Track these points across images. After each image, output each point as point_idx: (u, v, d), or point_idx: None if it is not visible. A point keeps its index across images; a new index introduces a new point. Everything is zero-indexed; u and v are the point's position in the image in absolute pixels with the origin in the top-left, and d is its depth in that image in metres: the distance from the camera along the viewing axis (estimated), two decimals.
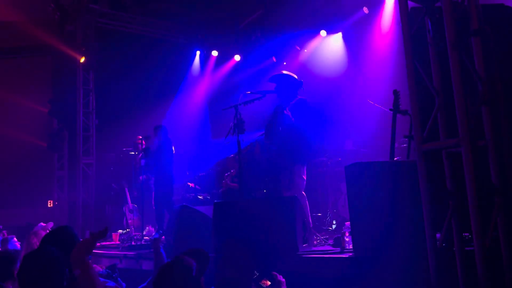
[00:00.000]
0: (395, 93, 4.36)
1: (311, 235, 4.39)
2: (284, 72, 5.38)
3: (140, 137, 7.62)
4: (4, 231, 6.89)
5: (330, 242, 4.40)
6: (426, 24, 2.96)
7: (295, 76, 5.33)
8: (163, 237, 6.06)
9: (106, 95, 9.74)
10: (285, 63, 9.52)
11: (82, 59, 9.34)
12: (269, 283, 2.92)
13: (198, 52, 10.59)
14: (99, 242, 7.01)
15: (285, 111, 5.17)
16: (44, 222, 5.60)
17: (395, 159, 4.60)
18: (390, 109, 4.40)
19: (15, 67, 10.51)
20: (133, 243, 6.43)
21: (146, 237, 6.79)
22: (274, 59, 9.48)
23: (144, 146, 7.54)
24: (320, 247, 4.26)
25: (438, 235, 2.80)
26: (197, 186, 8.90)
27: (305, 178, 5.04)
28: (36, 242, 4.04)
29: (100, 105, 9.80)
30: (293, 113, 5.09)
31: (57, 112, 9.70)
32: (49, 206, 10.33)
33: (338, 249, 3.86)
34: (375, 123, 6.90)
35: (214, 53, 10.46)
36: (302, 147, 5.03)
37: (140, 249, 5.78)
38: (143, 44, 9.80)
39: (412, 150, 4.05)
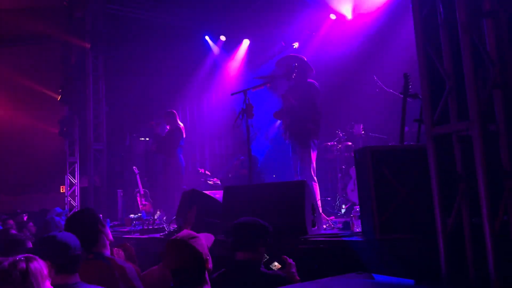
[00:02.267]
0: (405, 76, 4.33)
1: (320, 219, 4.42)
2: (291, 55, 5.35)
3: (154, 122, 7.70)
4: (24, 215, 7.07)
5: (339, 226, 4.42)
6: (437, 5, 2.91)
7: (304, 59, 5.29)
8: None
9: (116, 82, 9.77)
10: (295, 46, 9.43)
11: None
12: (279, 266, 2.95)
13: (207, 37, 10.50)
14: (111, 227, 7.15)
15: (290, 95, 5.17)
16: (56, 207, 5.73)
17: (405, 143, 4.58)
18: (400, 93, 4.37)
19: (26, 53, 10.58)
20: (144, 227, 6.52)
21: (157, 221, 6.89)
22: (283, 43, 9.40)
23: (157, 131, 7.64)
24: (329, 231, 4.29)
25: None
26: (207, 172, 8.96)
27: (313, 163, 5.03)
28: None
29: (110, 91, 9.85)
30: (298, 96, 5.08)
31: (67, 99, 9.77)
32: (61, 191, 10.50)
33: (347, 233, 3.89)
34: (385, 107, 6.85)
35: (222, 38, 10.38)
36: (305, 130, 5.03)
37: (151, 233, 5.87)
38: (152, 29, 9.77)
39: (422, 134, 4.03)
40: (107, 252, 2.73)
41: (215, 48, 10.43)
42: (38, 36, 10.26)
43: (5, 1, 9.77)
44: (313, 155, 5.07)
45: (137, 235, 5.85)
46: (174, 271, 2.21)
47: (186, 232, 2.35)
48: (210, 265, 2.29)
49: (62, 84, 9.95)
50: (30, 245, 3.51)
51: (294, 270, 2.86)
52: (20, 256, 1.90)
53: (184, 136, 7.41)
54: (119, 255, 3.08)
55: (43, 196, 11.04)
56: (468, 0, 2.60)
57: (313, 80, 5.15)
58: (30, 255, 1.95)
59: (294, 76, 5.14)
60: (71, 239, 2.35)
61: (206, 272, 2.27)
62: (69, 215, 7.23)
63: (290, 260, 2.91)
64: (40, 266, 1.91)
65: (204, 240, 2.30)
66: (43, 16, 9.86)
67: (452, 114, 2.80)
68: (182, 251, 2.20)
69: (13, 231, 4.59)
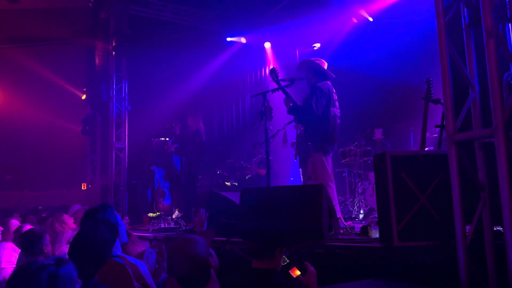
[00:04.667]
0: (428, 81, 4.27)
1: (338, 223, 4.38)
2: (311, 59, 5.34)
3: (173, 123, 7.82)
4: (44, 214, 7.25)
5: (357, 231, 4.38)
6: (461, 10, 2.86)
7: (322, 62, 5.27)
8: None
9: (139, 82, 9.91)
10: (315, 48, 9.40)
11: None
12: (298, 272, 2.81)
13: (230, 39, 10.52)
14: (130, 225, 7.26)
15: (304, 98, 5.19)
16: (75, 204, 5.82)
17: (426, 149, 4.52)
18: (422, 98, 4.31)
19: (52, 53, 10.83)
20: (162, 225, 6.60)
21: (175, 220, 6.98)
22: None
23: (177, 132, 7.75)
24: (346, 236, 4.25)
25: (468, 228, 2.74)
26: (225, 173, 9.00)
27: (327, 168, 4.98)
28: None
29: (133, 91, 9.99)
30: (310, 100, 5.07)
31: (91, 98, 9.96)
32: (82, 188, 10.69)
33: (365, 238, 3.84)
34: (406, 112, 6.77)
35: (243, 40, 10.41)
36: (315, 134, 5.01)
37: (169, 231, 5.95)
38: (175, 31, 9.89)
39: (443, 140, 3.96)
40: (118, 250, 2.74)
41: (241, 40, 10.43)
42: (64, 36, 10.49)
43: (33, 1, 10.03)
44: (327, 159, 5.03)
45: (154, 233, 5.93)
46: (179, 280, 2.23)
47: (183, 237, 2.37)
48: (214, 262, 2.29)
49: (87, 83, 10.14)
50: None
51: (314, 279, 2.72)
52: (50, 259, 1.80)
53: (204, 139, 7.49)
54: (150, 256, 3.10)
55: (65, 192, 11.27)
56: (494, 4, 2.55)
57: (322, 84, 5.10)
58: (61, 257, 1.87)
59: (305, 80, 5.19)
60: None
61: (212, 270, 2.27)
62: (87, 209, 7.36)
63: (312, 268, 2.77)
64: (70, 270, 1.80)
65: (203, 240, 2.31)
66: (69, 17, 10.09)
67: (474, 120, 2.75)
68: (181, 259, 2.24)
69: None
